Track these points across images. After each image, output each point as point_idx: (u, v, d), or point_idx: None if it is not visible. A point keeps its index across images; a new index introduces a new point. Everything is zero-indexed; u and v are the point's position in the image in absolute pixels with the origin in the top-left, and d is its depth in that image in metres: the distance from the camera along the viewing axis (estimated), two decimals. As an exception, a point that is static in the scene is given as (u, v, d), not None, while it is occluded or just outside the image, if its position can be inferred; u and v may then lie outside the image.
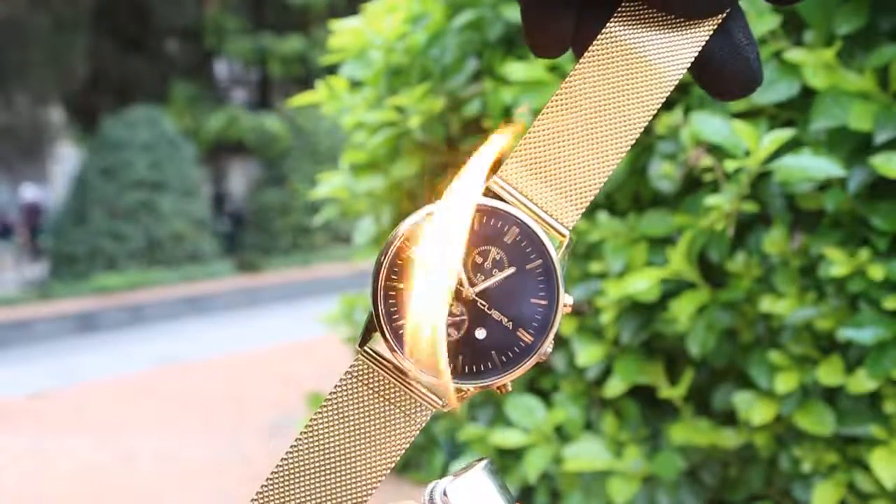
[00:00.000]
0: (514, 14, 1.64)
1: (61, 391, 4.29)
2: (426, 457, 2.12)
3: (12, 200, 11.72)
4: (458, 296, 0.31)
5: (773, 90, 1.19)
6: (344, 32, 1.91)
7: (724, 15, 0.32)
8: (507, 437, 1.58)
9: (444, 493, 0.30)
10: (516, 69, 1.49)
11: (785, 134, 1.12)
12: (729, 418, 1.43)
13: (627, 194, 1.51)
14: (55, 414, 3.72)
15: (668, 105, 1.41)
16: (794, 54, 1.17)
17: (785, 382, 1.22)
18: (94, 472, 2.69)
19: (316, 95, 1.94)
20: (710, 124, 1.19)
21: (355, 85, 2.03)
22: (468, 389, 0.31)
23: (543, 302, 0.31)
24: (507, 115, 1.67)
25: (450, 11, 1.76)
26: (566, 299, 0.31)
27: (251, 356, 4.97)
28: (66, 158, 11.74)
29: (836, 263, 1.15)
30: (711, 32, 0.32)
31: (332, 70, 2.10)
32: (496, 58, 1.69)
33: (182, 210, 9.09)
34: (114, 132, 8.93)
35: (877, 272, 1.12)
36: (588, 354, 1.48)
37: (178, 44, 12.23)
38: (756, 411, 1.26)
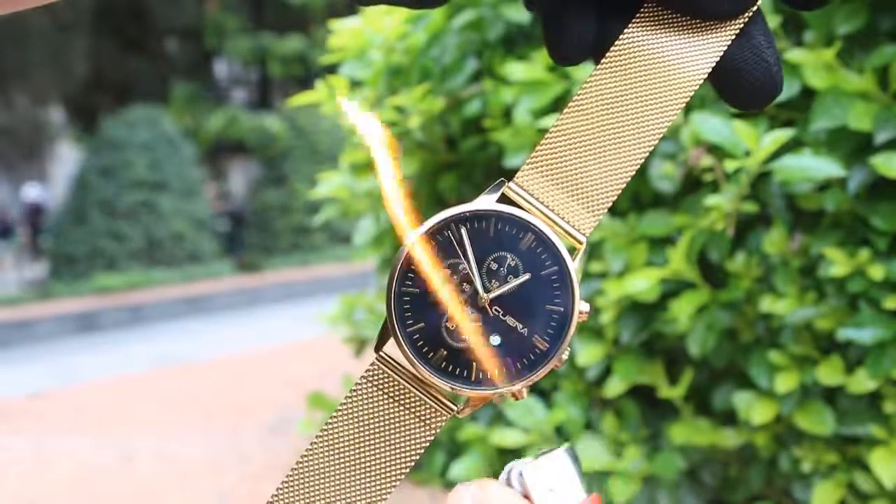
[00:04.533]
0: (514, 14, 1.64)
1: (61, 391, 4.29)
2: (426, 457, 2.12)
3: (13, 200, 11.72)
4: (473, 302, 0.31)
5: (773, 90, 1.19)
6: (344, 32, 1.91)
7: (746, 18, 0.31)
8: (507, 437, 1.58)
9: (521, 476, 0.30)
10: (516, 69, 1.49)
11: (785, 134, 1.12)
12: (729, 418, 1.43)
13: (627, 194, 1.51)
14: (55, 414, 3.72)
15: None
16: (794, 54, 1.17)
17: (785, 382, 1.22)
18: (94, 472, 2.69)
19: (316, 95, 1.94)
20: (710, 124, 1.19)
21: (355, 85, 2.03)
22: (485, 396, 0.31)
23: (559, 308, 0.31)
24: (506, 115, 1.67)
25: (450, 11, 1.76)
26: (582, 306, 0.31)
27: (251, 356, 4.96)
28: (66, 158, 11.74)
29: (836, 263, 1.15)
30: (733, 36, 0.31)
31: (332, 70, 2.10)
32: (496, 58, 1.69)
33: (182, 210, 9.08)
34: (114, 132, 8.93)
35: (877, 272, 1.12)
36: (588, 354, 1.48)
37: (178, 44, 12.23)
38: (756, 411, 1.26)
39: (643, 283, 1.32)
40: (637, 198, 1.53)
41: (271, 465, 2.58)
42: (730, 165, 1.16)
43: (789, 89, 1.19)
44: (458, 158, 1.85)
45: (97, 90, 11.25)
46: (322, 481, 0.32)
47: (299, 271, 9.62)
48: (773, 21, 1.18)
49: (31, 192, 11.17)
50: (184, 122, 10.73)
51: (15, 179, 11.96)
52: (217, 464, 2.69)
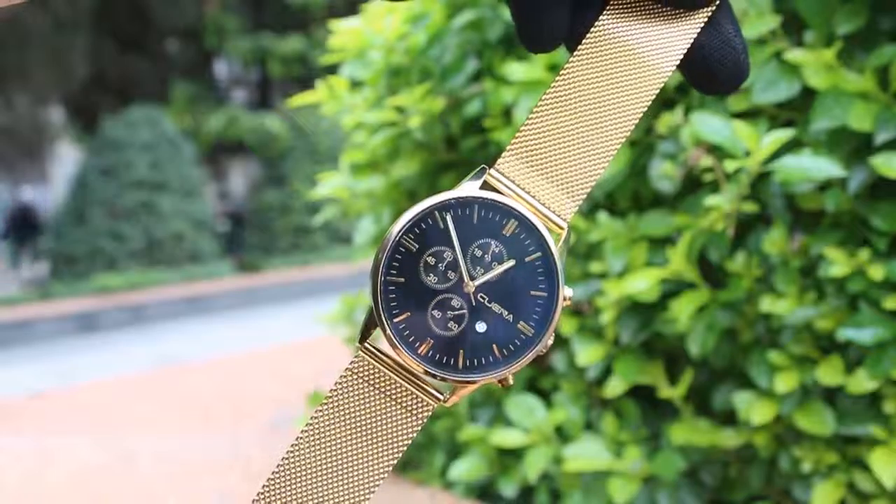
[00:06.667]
0: (514, 14, 1.63)
1: (61, 391, 4.29)
2: (426, 457, 2.12)
3: (13, 201, 11.72)
4: (458, 289, 0.31)
5: (773, 90, 1.19)
6: (344, 32, 1.91)
7: (715, 6, 0.32)
8: (507, 437, 1.58)
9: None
10: (516, 69, 1.48)
11: (785, 134, 1.12)
12: (729, 418, 1.43)
13: (627, 194, 1.51)
14: (55, 414, 3.72)
15: (668, 105, 1.41)
16: (794, 54, 1.17)
17: (785, 382, 1.21)
18: (94, 472, 2.68)
19: (316, 95, 1.94)
20: (710, 124, 1.19)
21: (355, 85, 2.03)
22: (472, 383, 0.31)
23: (543, 294, 0.31)
24: (506, 115, 1.67)
25: (450, 11, 1.76)
26: (566, 292, 0.31)
27: (251, 356, 4.96)
28: (66, 158, 11.74)
29: (836, 263, 1.15)
30: (702, 24, 0.32)
31: (332, 70, 2.10)
32: (496, 58, 1.69)
33: (182, 210, 9.08)
34: (114, 132, 8.93)
35: (877, 272, 1.12)
36: (588, 354, 1.48)
37: (178, 44, 12.23)
38: (756, 411, 1.26)
39: (643, 283, 1.32)
40: (637, 198, 1.53)
41: (271, 465, 2.58)
42: (730, 165, 1.16)
43: (789, 89, 1.19)
44: (458, 158, 1.85)
45: (97, 90, 11.25)
46: (309, 475, 0.31)
47: (299, 271, 9.62)
48: (773, 21, 1.18)
49: (26, 194, 11.17)
50: (184, 123, 10.73)
51: (15, 180, 11.96)
52: (217, 464, 2.69)
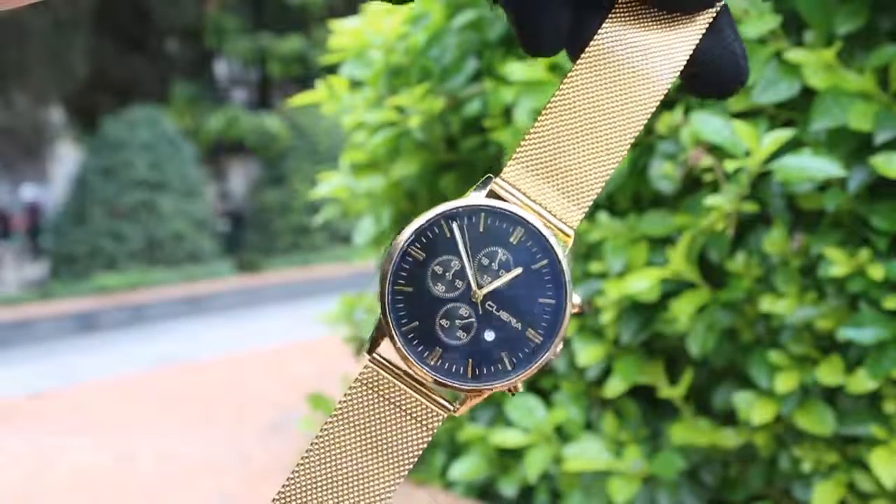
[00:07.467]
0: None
1: (61, 391, 4.29)
2: (426, 457, 2.12)
3: (13, 200, 11.71)
4: (466, 298, 0.31)
5: (773, 90, 1.19)
6: (344, 32, 1.91)
7: (716, 11, 0.32)
8: (507, 437, 1.58)
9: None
10: (516, 69, 1.48)
11: (785, 134, 1.12)
12: (729, 418, 1.43)
13: (627, 194, 1.51)
14: (55, 414, 3.72)
15: (668, 105, 1.41)
16: (794, 54, 1.17)
17: (785, 382, 1.22)
18: (94, 472, 2.68)
19: (316, 95, 1.94)
20: (710, 124, 1.19)
21: (355, 85, 2.03)
22: (482, 392, 0.31)
23: (551, 301, 0.31)
24: (506, 115, 1.67)
25: (450, 11, 1.76)
26: (574, 298, 0.31)
27: (251, 356, 4.96)
28: (66, 158, 11.74)
29: (836, 263, 1.15)
30: (704, 29, 0.32)
31: (332, 70, 2.10)
32: (496, 58, 1.69)
33: (182, 210, 9.08)
34: (114, 132, 8.93)
35: (877, 272, 1.12)
36: (588, 354, 1.48)
37: (178, 44, 12.22)
38: (756, 411, 1.26)
39: (643, 283, 1.32)
40: (637, 198, 1.53)
41: (272, 465, 2.58)
42: (730, 165, 1.16)
43: (789, 89, 1.19)
44: (458, 158, 1.85)
45: (97, 90, 11.24)
46: (320, 487, 0.31)
47: (299, 271, 9.62)
48: (773, 21, 1.18)
49: (28, 192, 11.17)
50: (184, 122, 10.72)
51: (15, 179, 11.96)
52: (217, 464, 2.69)
